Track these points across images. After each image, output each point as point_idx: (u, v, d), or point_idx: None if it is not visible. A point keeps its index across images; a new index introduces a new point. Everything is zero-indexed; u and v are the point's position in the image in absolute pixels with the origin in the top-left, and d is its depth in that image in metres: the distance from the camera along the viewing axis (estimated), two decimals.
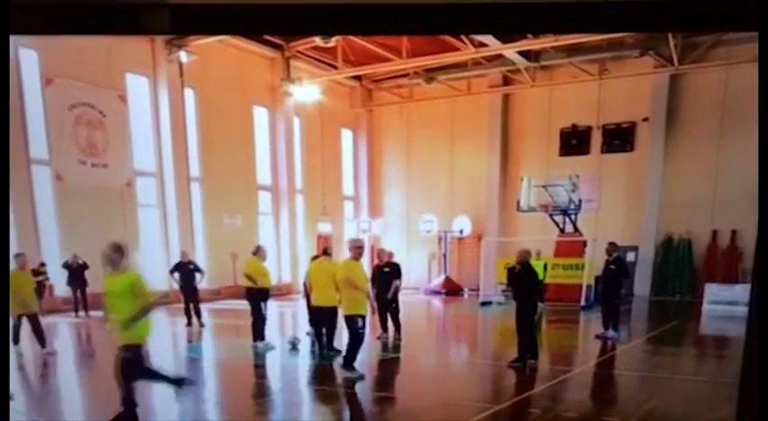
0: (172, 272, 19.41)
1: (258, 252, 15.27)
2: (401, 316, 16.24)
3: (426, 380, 12.72)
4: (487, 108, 31.76)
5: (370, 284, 12.48)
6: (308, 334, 15.30)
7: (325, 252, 14.71)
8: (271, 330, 15.83)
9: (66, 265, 21.21)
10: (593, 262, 22.68)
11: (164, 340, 18.88)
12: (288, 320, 22.02)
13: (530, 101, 30.92)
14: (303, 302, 15.37)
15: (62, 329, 19.71)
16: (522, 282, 13.09)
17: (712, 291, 23.05)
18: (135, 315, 8.17)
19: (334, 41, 25.22)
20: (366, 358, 11.83)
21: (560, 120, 30.02)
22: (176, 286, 19.46)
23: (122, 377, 8.52)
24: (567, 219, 26.19)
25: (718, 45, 25.48)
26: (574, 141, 29.80)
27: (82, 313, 21.18)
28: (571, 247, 25.40)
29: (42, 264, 20.70)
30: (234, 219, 28.34)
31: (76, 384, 13.22)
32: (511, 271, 13.64)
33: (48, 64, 21.64)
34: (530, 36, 24.28)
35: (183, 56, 24.74)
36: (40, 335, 14.60)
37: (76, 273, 21.14)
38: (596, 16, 2.76)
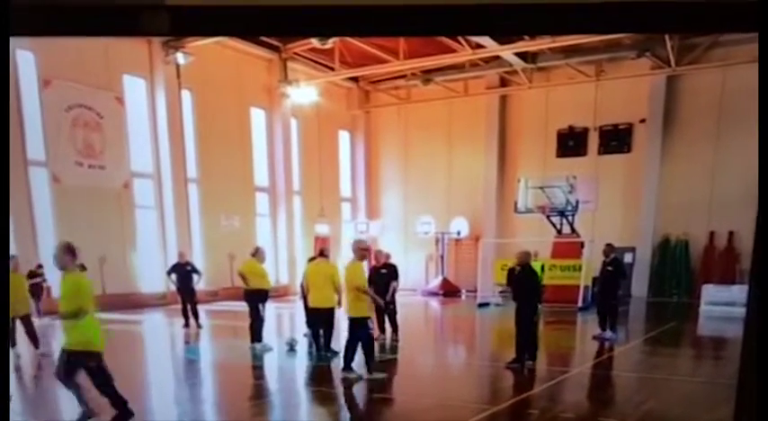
0: (169, 273, 19.35)
1: (257, 253, 15.26)
2: (398, 317, 16.24)
3: (424, 381, 12.70)
4: (485, 109, 31.79)
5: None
6: (305, 335, 15.27)
7: (322, 253, 14.70)
8: (268, 331, 15.82)
9: None
10: (591, 263, 22.69)
11: (161, 341, 18.95)
12: (285, 322, 22.03)
13: (527, 102, 30.94)
14: (300, 304, 15.35)
15: (59, 331, 19.67)
16: (523, 283, 13.10)
17: (709, 292, 23.05)
18: (71, 313, 8.14)
19: (331, 43, 25.20)
20: (362, 359, 11.81)
21: (557, 122, 30.05)
22: (174, 287, 19.40)
23: (65, 381, 8.50)
24: (565, 221, 26.19)
25: (714, 46, 25.52)
26: (571, 142, 29.84)
27: None
28: (568, 248, 25.42)
29: (39, 266, 20.68)
30: (231, 221, 28.35)
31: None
32: (511, 272, 13.62)
33: (45, 65, 21.64)
34: (527, 37, 24.30)
35: (180, 57, 24.73)
36: (33, 336, 14.65)
37: None
38: (595, 17, 2.75)
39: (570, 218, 26.07)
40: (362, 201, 35.59)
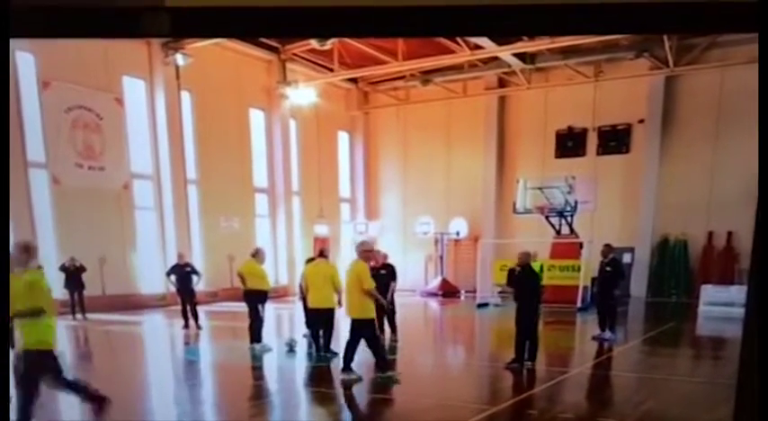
0: (169, 274, 19.35)
1: (257, 254, 15.27)
2: (397, 317, 16.23)
3: (423, 381, 12.71)
4: (483, 110, 31.80)
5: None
6: (304, 336, 15.28)
7: (322, 254, 14.72)
8: (268, 332, 15.84)
9: (64, 268, 21.18)
10: (590, 263, 22.71)
11: (161, 342, 18.96)
12: (285, 322, 22.04)
13: (525, 103, 30.96)
14: (300, 304, 15.35)
15: (59, 332, 19.67)
16: (524, 283, 13.12)
17: (708, 292, 23.05)
18: (25, 313, 8.11)
19: (330, 44, 25.19)
20: (363, 359, 11.82)
21: (556, 122, 30.07)
22: (173, 288, 19.41)
23: (24, 384, 8.46)
24: (563, 221, 26.21)
25: (713, 47, 25.54)
26: (570, 143, 29.86)
27: (79, 316, 21.15)
28: (567, 249, 25.43)
29: (39, 267, 20.65)
30: (231, 222, 28.37)
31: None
32: (512, 272, 13.63)
33: (44, 67, 21.64)
34: (525, 38, 24.32)
35: (180, 59, 24.74)
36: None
37: (74, 275, 21.11)
38: (595, 18, 2.78)
39: (569, 218, 26.08)
40: (361, 202, 35.60)
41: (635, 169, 28.53)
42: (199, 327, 18.85)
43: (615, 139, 28.88)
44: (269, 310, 16.12)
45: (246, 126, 29.29)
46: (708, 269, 27.04)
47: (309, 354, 14.53)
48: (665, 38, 24.49)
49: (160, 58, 24.93)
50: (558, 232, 26.38)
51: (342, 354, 11.87)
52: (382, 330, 15.78)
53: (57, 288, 21.34)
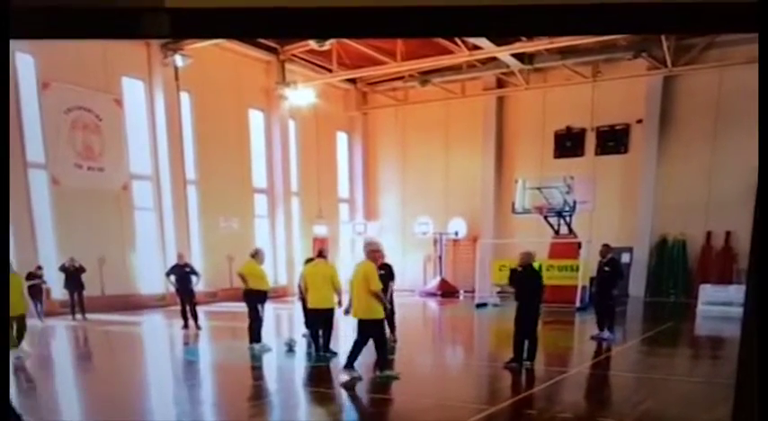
0: (168, 274, 19.38)
1: (256, 255, 15.27)
2: (396, 317, 16.24)
3: (422, 381, 12.72)
4: (482, 110, 31.81)
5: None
6: (304, 336, 15.30)
7: (321, 254, 14.75)
8: (267, 332, 15.85)
9: (63, 269, 21.22)
10: (588, 263, 22.72)
11: (160, 342, 18.98)
12: (284, 322, 22.06)
13: (524, 103, 30.98)
14: (299, 304, 15.36)
15: (59, 332, 19.72)
16: (525, 283, 13.15)
17: (707, 291, 23.08)
18: None
19: (328, 45, 25.23)
20: (361, 359, 11.83)
21: (554, 122, 30.08)
22: (173, 288, 19.44)
23: None
24: (562, 221, 26.23)
25: (711, 47, 25.56)
26: (568, 143, 29.88)
27: (79, 316, 21.18)
28: (566, 249, 25.46)
29: (39, 268, 20.71)
30: (230, 222, 28.39)
31: (71, 386, 13.20)
32: (513, 272, 13.66)
33: (44, 68, 21.68)
34: (523, 39, 24.35)
35: (179, 60, 24.76)
36: (20, 336, 14.68)
37: (73, 276, 21.15)
38: (596, 19, 2.78)
39: (568, 218, 26.09)
40: (360, 202, 35.62)
41: (633, 169, 28.55)
42: (198, 328, 18.87)
43: (613, 140, 28.90)
44: (268, 310, 16.13)
45: (245, 127, 29.32)
46: (706, 269, 27.06)
47: (309, 354, 14.55)
48: (663, 38, 24.52)
49: (159, 59, 24.95)
50: (557, 232, 26.40)
51: (348, 352, 11.88)
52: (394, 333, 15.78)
53: (56, 288, 21.44)
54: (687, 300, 26.01)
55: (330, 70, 28.70)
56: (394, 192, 34.87)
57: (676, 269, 28.13)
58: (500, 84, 31.01)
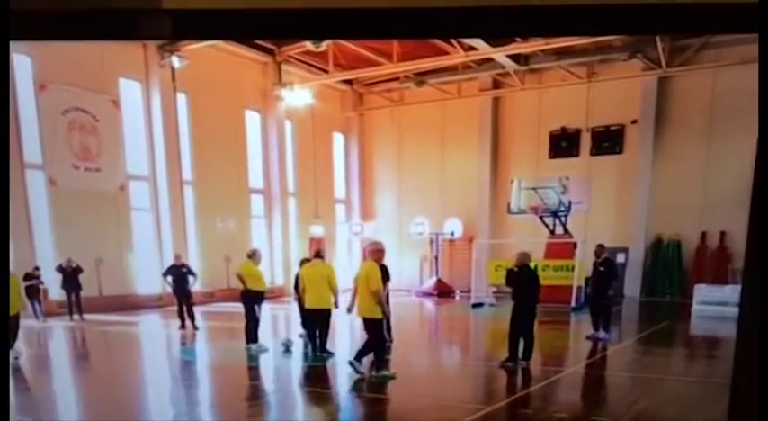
0: (165, 275, 19.40)
1: (253, 255, 15.28)
2: (392, 318, 16.28)
3: (418, 381, 12.76)
4: (478, 111, 31.82)
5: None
6: (300, 336, 15.36)
7: (318, 254, 14.81)
8: (264, 332, 15.91)
9: (61, 269, 21.24)
10: (583, 263, 22.78)
11: (158, 343, 19.01)
12: (281, 322, 22.08)
13: (519, 103, 31.00)
14: (295, 305, 15.40)
15: (56, 332, 19.75)
16: (522, 283, 13.22)
17: (702, 291, 23.10)
18: None
19: (324, 46, 25.28)
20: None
21: (550, 123, 30.10)
22: (170, 289, 19.47)
23: None
24: (557, 221, 26.33)
25: (705, 48, 25.61)
26: (563, 143, 29.90)
27: (76, 316, 21.20)
28: (561, 249, 25.52)
29: (36, 268, 20.72)
30: (227, 223, 28.40)
31: (66, 386, 13.24)
32: (510, 272, 13.72)
33: (41, 69, 21.68)
34: (519, 39, 24.39)
35: (176, 61, 24.78)
36: (13, 336, 14.70)
37: (71, 276, 21.16)
38: (595, 20, 2.81)
39: (563, 218, 26.20)
40: (357, 203, 35.62)
41: (628, 170, 28.59)
42: (195, 328, 18.87)
43: (608, 140, 28.93)
44: (265, 311, 16.16)
45: (242, 127, 29.32)
46: (701, 269, 27.10)
47: (305, 354, 14.61)
48: (658, 39, 24.57)
49: (156, 61, 24.96)
50: (552, 232, 26.49)
51: (358, 348, 11.99)
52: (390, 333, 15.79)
53: (54, 289, 21.46)
54: (682, 299, 26.02)
55: (326, 71, 28.71)
56: (390, 193, 34.88)
57: (671, 269, 28.18)
58: (496, 84, 31.04)
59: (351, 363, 11.86)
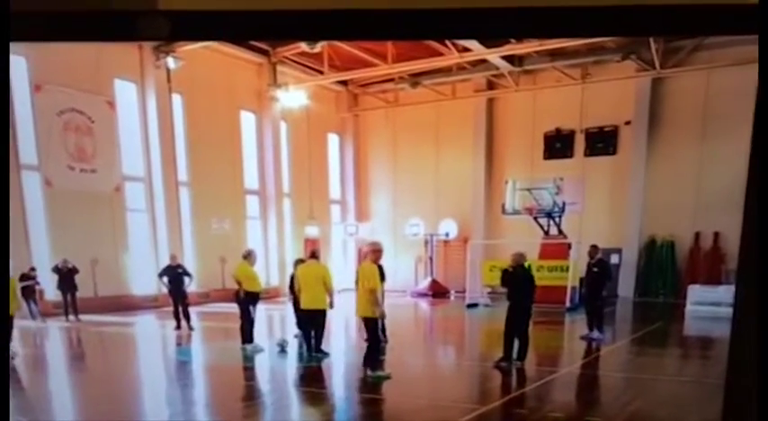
0: (161, 275, 19.42)
1: (249, 256, 15.32)
2: (387, 318, 16.31)
3: (414, 381, 12.83)
4: (472, 112, 31.82)
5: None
6: (295, 336, 15.40)
7: (314, 255, 14.85)
8: (259, 333, 15.92)
9: (56, 270, 21.23)
10: (578, 264, 22.82)
11: (153, 343, 19.03)
12: (276, 323, 22.08)
13: (514, 105, 31.00)
14: (290, 305, 15.43)
15: (52, 333, 19.74)
16: (517, 283, 13.28)
17: (695, 292, 23.14)
18: None
19: (319, 47, 25.27)
20: (354, 360, 11.94)
21: (544, 124, 30.12)
22: (165, 289, 19.48)
23: None
24: (552, 222, 26.37)
25: (699, 49, 25.64)
26: (557, 144, 29.92)
27: (72, 317, 21.20)
28: (555, 250, 25.57)
29: (32, 269, 20.72)
30: (222, 223, 28.38)
31: (62, 386, 13.26)
32: (505, 272, 13.77)
33: (36, 70, 21.63)
34: (513, 41, 24.42)
35: (171, 62, 24.77)
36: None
37: (66, 277, 21.16)
38: (596, 21, 2.85)
39: (557, 219, 26.23)
40: (352, 204, 35.58)
41: (622, 170, 28.62)
42: (191, 328, 18.88)
43: (602, 141, 28.95)
44: (260, 311, 16.16)
45: (237, 128, 29.29)
46: (695, 269, 27.15)
47: (300, 355, 14.64)
48: (652, 40, 24.61)
49: (151, 62, 24.95)
50: (547, 233, 26.52)
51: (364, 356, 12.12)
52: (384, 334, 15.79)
53: (50, 289, 21.46)
54: (676, 300, 26.05)
55: (321, 72, 28.68)
56: (385, 194, 34.87)
57: (665, 269, 28.21)
58: (490, 85, 31.04)
59: (369, 377, 11.93)
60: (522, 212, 27.10)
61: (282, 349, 15.18)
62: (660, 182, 27.67)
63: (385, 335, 15.84)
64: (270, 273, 29.66)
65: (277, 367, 14.45)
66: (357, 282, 12.26)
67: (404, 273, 31.96)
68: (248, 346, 14.96)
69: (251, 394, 12.18)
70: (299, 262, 14.96)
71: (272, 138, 30.06)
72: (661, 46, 25.55)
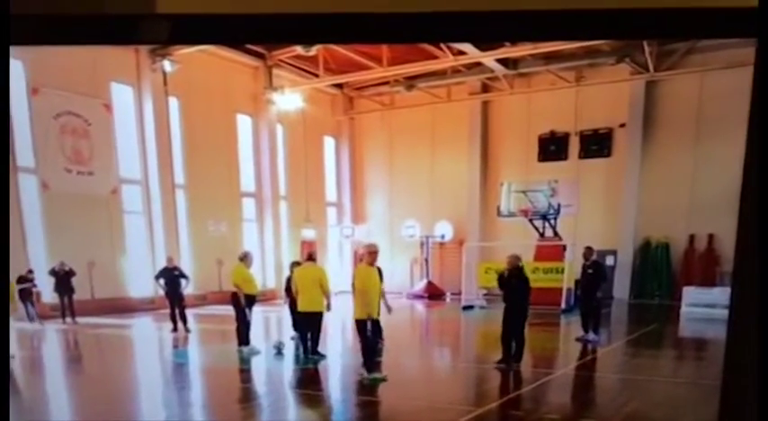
0: (157, 277, 19.44)
1: (245, 258, 15.34)
2: (383, 320, 16.34)
3: (410, 383, 12.85)
4: (467, 115, 31.88)
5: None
6: (292, 338, 15.44)
7: (311, 257, 14.88)
8: (256, 335, 15.95)
9: (53, 272, 21.25)
10: (573, 265, 22.87)
11: (150, 345, 19.04)
12: (273, 325, 22.11)
13: (509, 107, 31.04)
14: (286, 307, 15.46)
15: (49, 335, 19.74)
16: (513, 285, 13.33)
17: (690, 293, 23.15)
18: None
19: (315, 50, 25.31)
20: (351, 362, 11.98)
21: (539, 127, 30.16)
22: (162, 292, 19.51)
23: None
24: (547, 224, 26.44)
25: (692, 52, 25.68)
26: (552, 147, 29.96)
27: (69, 319, 21.21)
28: (551, 251, 25.62)
29: (30, 271, 20.74)
30: (219, 226, 28.39)
31: (58, 388, 13.29)
32: (501, 275, 13.83)
33: (33, 73, 21.65)
34: (507, 44, 24.46)
35: (167, 65, 24.80)
36: None
37: (63, 279, 21.16)
38: (596, 24, 2.88)
39: (552, 221, 26.31)
40: (348, 206, 35.60)
41: (617, 173, 28.66)
42: (187, 331, 18.92)
43: (597, 143, 29.00)
44: (257, 313, 16.19)
45: (234, 131, 29.32)
46: (689, 271, 27.17)
47: (297, 357, 14.68)
48: (645, 43, 24.66)
49: (148, 65, 24.96)
50: (542, 235, 26.59)
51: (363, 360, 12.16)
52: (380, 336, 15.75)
53: (47, 292, 21.48)
54: (671, 302, 26.05)
55: (317, 75, 28.69)
56: (381, 196, 34.90)
57: (660, 271, 28.25)
58: (485, 88, 31.08)
59: (365, 379, 11.98)
60: (517, 214, 27.16)
61: (279, 351, 15.19)
62: (654, 184, 27.73)
63: (381, 337, 15.91)
64: (266, 275, 29.69)
65: (274, 369, 14.45)
66: (353, 285, 12.26)
67: (400, 274, 32.00)
68: (245, 349, 15.00)
69: (247, 396, 12.21)
70: (295, 264, 15.01)
71: (269, 141, 30.08)
72: (654, 49, 25.60)
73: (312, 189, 33.11)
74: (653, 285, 28.38)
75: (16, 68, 21.30)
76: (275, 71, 29.16)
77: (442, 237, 32.85)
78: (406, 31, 3.01)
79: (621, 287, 28.41)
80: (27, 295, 19.93)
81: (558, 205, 26.05)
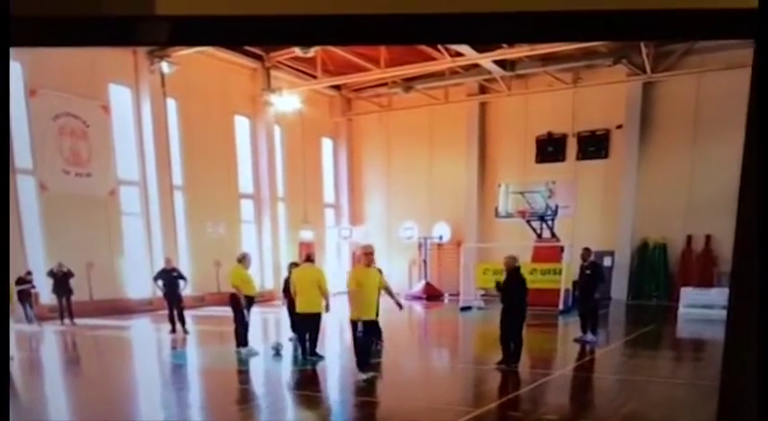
0: (156, 279, 19.43)
1: (243, 259, 15.35)
2: (382, 321, 16.34)
3: (408, 384, 12.86)
4: (465, 116, 31.91)
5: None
6: (290, 339, 15.45)
7: (309, 258, 14.89)
8: (254, 336, 15.96)
9: (52, 274, 21.24)
10: (571, 266, 22.87)
11: (148, 347, 19.03)
12: (271, 326, 22.10)
13: (506, 109, 31.04)
14: (284, 308, 15.46)
15: (47, 336, 19.74)
16: (510, 287, 13.36)
17: (688, 294, 23.15)
18: None
19: (313, 52, 25.31)
20: (349, 363, 11.99)
21: (536, 128, 30.18)
22: (160, 293, 19.51)
23: None
24: (544, 225, 26.46)
25: (689, 53, 25.68)
26: (550, 148, 29.97)
27: (67, 321, 21.20)
28: (548, 253, 25.62)
29: (29, 273, 20.73)
30: (217, 227, 28.38)
31: (57, 389, 13.29)
32: (498, 283, 13.86)
33: (31, 75, 21.64)
34: (505, 45, 24.46)
35: (165, 66, 24.80)
36: None
37: (61, 281, 21.14)
38: (593, 26, 2.90)
39: (550, 222, 26.32)
40: (346, 208, 35.59)
41: (614, 174, 28.67)
42: (186, 332, 18.89)
43: (594, 145, 29.01)
44: (255, 314, 16.20)
45: (232, 133, 29.30)
46: (687, 272, 27.18)
47: (295, 358, 14.69)
48: (642, 45, 24.66)
49: (146, 66, 24.95)
50: (540, 236, 26.61)
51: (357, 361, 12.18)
52: (379, 337, 15.74)
53: (45, 293, 21.47)
54: (668, 302, 26.06)
55: (315, 77, 28.68)
56: (379, 197, 34.90)
57: (657, 272, 28.26)
58: (483, 90, 31.09)
59: (359, 380, 12.01)
60: (515, 216, 27.20)
61: (277, 352, 15.21)
62: (652, 185, 27.74)
63: (381, 338, 15.92)
64: (264, 276, 29.68)
65: (272, 370, 14.46)
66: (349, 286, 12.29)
67: (398, 276, 31.94)
68: (243, 350, 15.01)
69: (246, 397, 12.22)
70: (293, 265, 15.04)
71: (267, 143, 30.09)
72: (652, 50, 25.60)
73: (310, 190, 33.12)
74: (650, 286, 28.39)
75: (14, 70, 21.28)
76: (273, 73, 29.16)
77: (440, 238, 32.84)
78: (405, 32, 3.03)
79: (619, 288, 28.43)
80: (25, 296, 19.93)
81: (556, 206, 26.09)
